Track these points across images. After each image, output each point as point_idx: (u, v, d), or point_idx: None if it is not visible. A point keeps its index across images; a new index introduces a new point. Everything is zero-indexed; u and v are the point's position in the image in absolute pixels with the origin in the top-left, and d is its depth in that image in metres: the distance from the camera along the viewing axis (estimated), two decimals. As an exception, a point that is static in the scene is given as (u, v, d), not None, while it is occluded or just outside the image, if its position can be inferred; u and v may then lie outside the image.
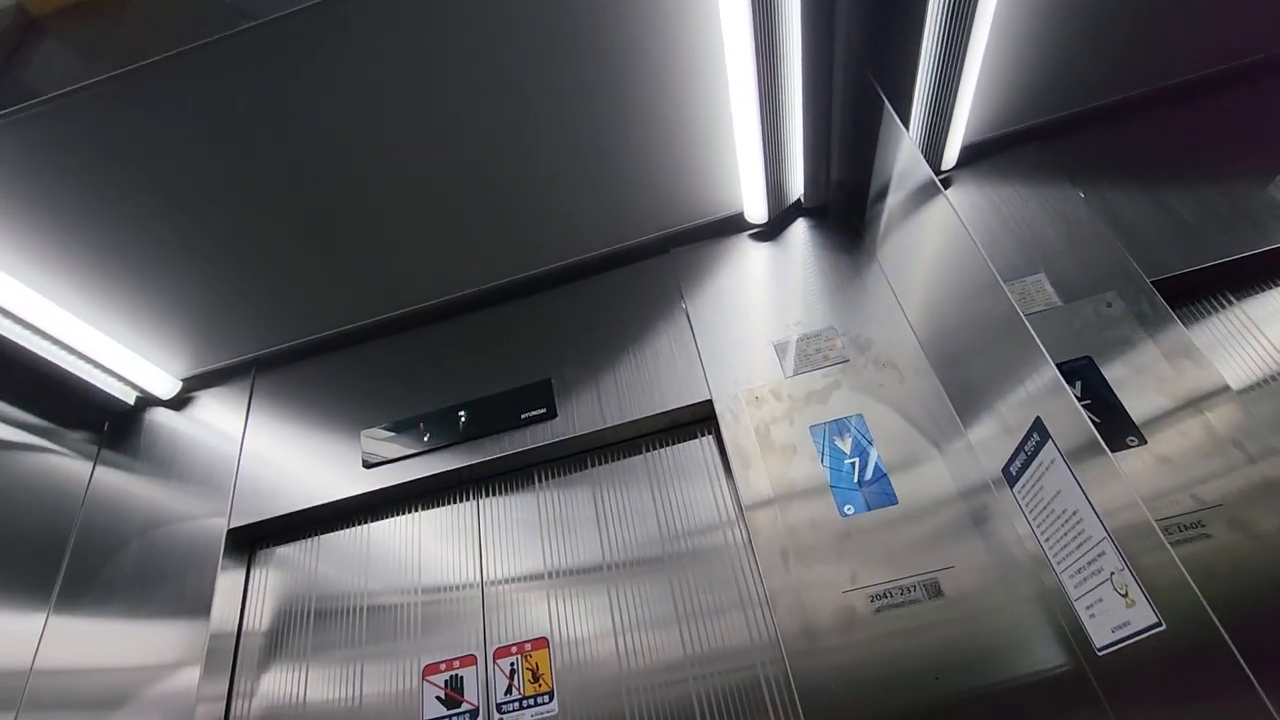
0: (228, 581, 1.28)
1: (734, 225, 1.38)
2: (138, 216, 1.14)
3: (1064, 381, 0.79)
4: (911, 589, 0.98)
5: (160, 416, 1.49)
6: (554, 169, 1.20)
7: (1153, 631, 0.71)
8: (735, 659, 1.05)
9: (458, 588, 1.23)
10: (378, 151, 1.12)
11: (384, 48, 0.99)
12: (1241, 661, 0.65)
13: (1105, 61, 1.22)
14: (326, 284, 1.35)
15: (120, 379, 1.41)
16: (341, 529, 1.34)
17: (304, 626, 1.25)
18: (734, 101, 1.11)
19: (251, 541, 1.35)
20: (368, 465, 1.31)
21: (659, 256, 1.40)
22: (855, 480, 1.07)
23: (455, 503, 1.32)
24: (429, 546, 1.29)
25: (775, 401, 1.17)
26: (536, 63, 1.04)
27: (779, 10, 0.97)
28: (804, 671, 0.96)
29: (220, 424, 1.45)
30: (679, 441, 1.27)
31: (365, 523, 1.34)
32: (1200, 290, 1.14)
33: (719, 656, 1.06)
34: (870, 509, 1.04)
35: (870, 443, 1.10)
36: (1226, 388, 1.01)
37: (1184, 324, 1.08)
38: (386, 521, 1.33)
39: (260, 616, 1.29)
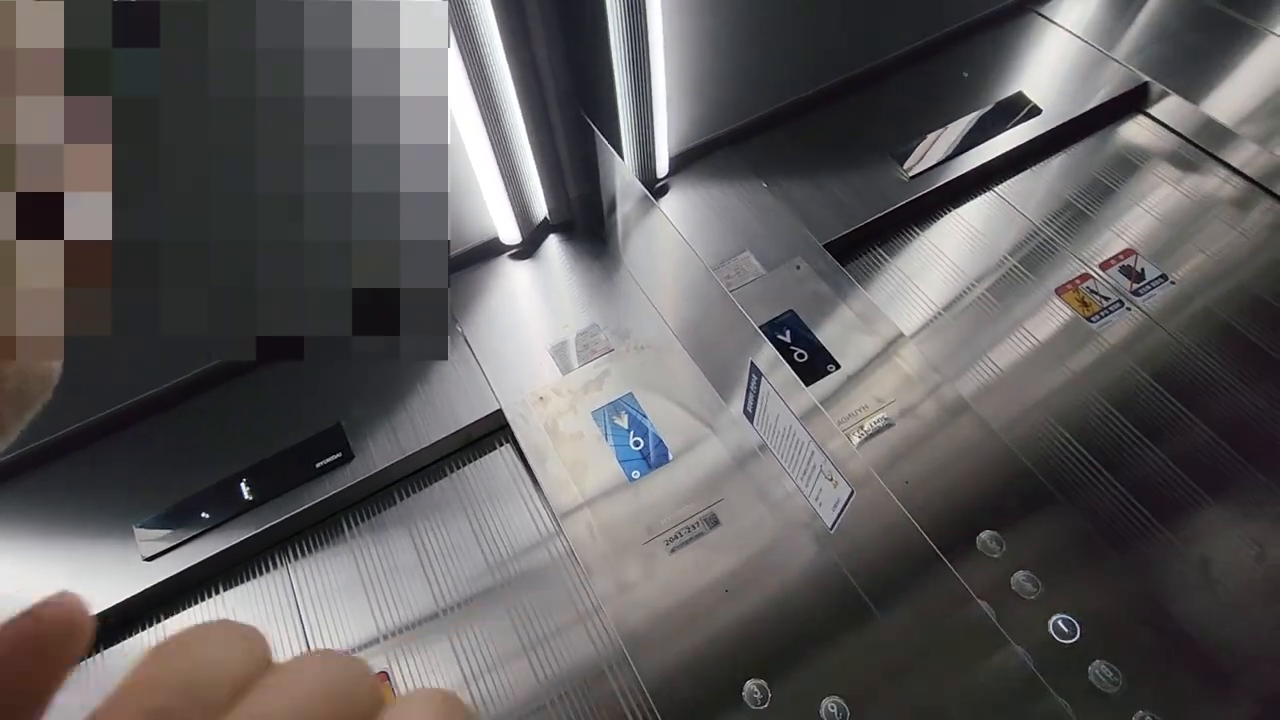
0: (-14, 743, 1.11)
1: (493, 250, 1.50)
2: None
3: (760, 332, 1.02)
4: (695, 525, 1.17)
5: None
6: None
7: (850, 497, 0.95)
8: (583, 668, 1.12)
9: (282, 676, 1.19)
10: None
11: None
12: (907, 514, 0.91)
13: (762, 77, 1.54)
14: (76, 364, 1.23)
15: None
16: (130, 636, 1.22)
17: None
18: (468, 141, 1.23)
19: (14, 681, 1.18)
20: (148, 558, 1.22)
21: (428, 289, 1.47)
22: (635, 449, 1.24)
23: (262, 574, 1.27)
24: (239, 635, 1.23)
25: (558, 398, 1.31)
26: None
27: (487, 57, 1.11)
28: (623, 622, 1.10)
29: (-59, 562, 1.24)
30: (480, 456, 1.35)
31: (159, 621, 1.23)
32: (856, 247, 1.49)
33: (569, 673, 1.12)
34: (652, 469, 1.22)
35: (644, 415, 1.28)
36: (899, 333, 1.33)
37: (859, 280, 1.40)
38: (185, 614, 1.24)
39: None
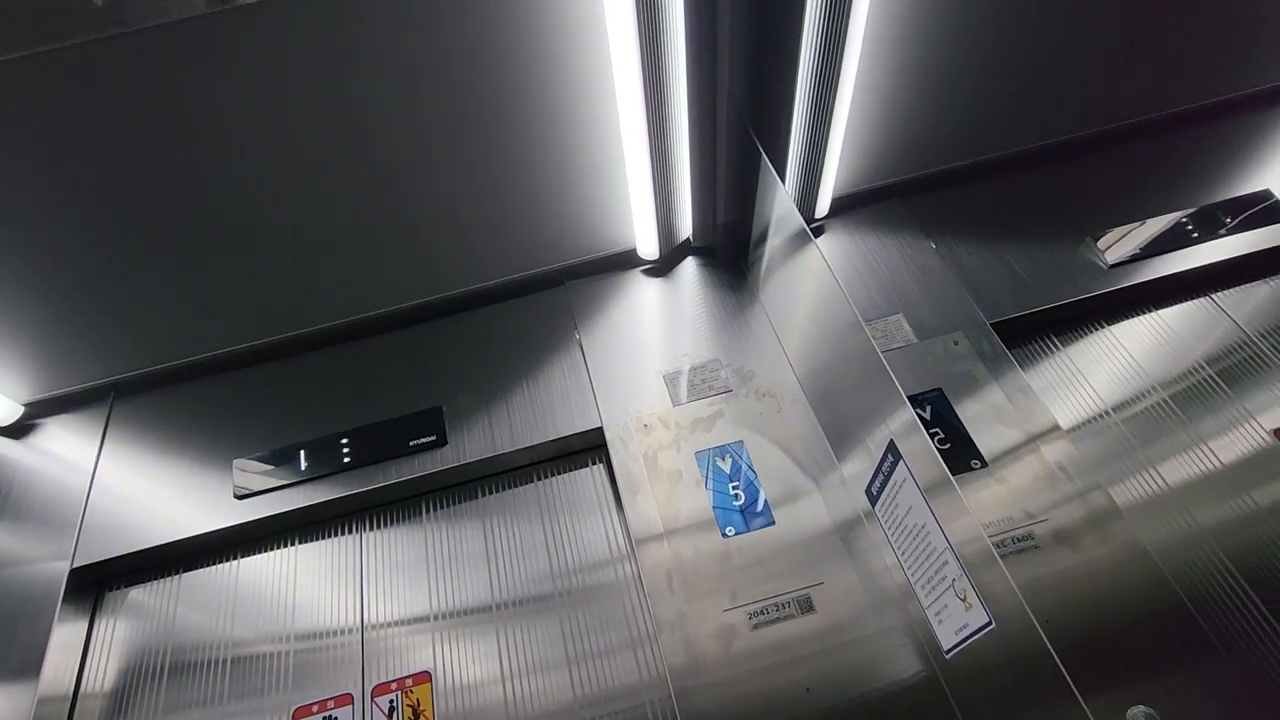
0: (66, 633, 1.15)
1: (627, 261, 1.44)
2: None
3: (913, 410, 0.88)
4: (786, 604, 1.04)
5: (-5, 446, 1.34)
6: (449, 199, 1.21)
7: (985, 630, 0.79)
8: (624, 699, 1.06)
9: (335, 633, 1.16)
10: (262, 171, 1.09)
11: (270, 67, 0.98)
12: (1055, 656, 0.74)
13: (953, 130, 1.39)
14: (201, 305, 1.28)
15: (-53, 403, 1.26)
16: (207, 566, 1.25)
17: (155, 684, 1.14)
18: (626, 146, 1.18)
19: (99, 583, 1.23)
20: (239, 497, 1.24)
21: (554, 289, 1.43)
22: (736, 503, 1.13)
23: (336, 535, 1.27)
24: (305, 586, 1.22)
25: (663, 429, 1.22)
26: (438, 97, 1.06)
27: (666, 64, 1.05)
28: (687, 698, 0.99)
29: (69, 454, 1.32)
30: (570, 470, 1.28)
31: (235, 559, 1.25)
32: (1029, 332, 1.31)
33: (608, 698, 1.06)
34: (750, 530, 1.10)
35: (751, 468, 1.16)
36: (1056, 425, 1.15)
37: (1020, 365, 1.23)
38: (259, 558, 1.25)
39: (103, 674, 1.16)
